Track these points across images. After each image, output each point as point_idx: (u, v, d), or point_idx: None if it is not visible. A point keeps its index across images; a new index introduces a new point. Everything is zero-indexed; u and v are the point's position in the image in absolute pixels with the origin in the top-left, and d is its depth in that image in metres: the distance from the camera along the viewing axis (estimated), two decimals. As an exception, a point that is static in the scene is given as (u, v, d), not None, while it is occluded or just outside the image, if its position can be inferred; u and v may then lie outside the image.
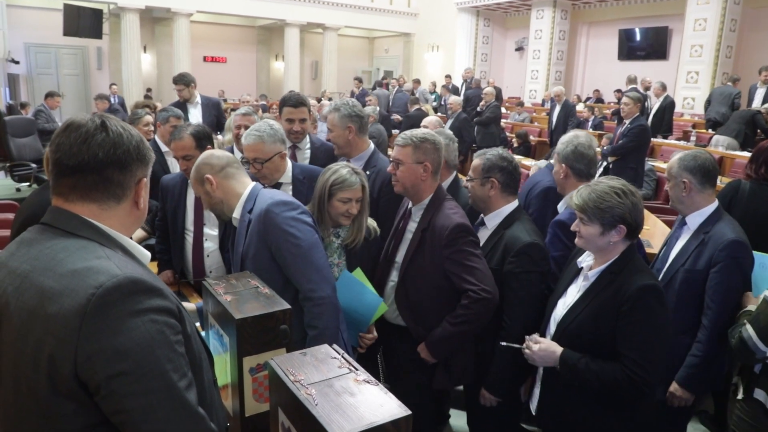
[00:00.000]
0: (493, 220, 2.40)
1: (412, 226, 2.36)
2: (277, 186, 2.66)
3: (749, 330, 2.00)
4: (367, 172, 2.70)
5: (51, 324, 0.99)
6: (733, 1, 11.69)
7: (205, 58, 18.87)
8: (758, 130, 7.82)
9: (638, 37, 14.66)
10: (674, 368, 2.35)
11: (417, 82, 13.68)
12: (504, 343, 2.10)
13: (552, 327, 2.07)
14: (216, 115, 5.94)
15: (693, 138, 8.54)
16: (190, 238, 2.91)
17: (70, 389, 1.00)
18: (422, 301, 2.31)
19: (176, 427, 1.04)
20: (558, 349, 1.94)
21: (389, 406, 1.13)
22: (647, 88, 9.56)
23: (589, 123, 10.73)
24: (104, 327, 0.99)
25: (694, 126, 10.20)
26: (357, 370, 1.27)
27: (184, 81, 5.81)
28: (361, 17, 18.22)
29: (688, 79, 12.28)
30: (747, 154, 7.07)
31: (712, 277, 2.27)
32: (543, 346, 1.97)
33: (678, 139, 9.22)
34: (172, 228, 2.95)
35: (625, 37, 14.84)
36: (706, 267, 2.29)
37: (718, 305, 2.26)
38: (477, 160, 2.42)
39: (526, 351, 2.01)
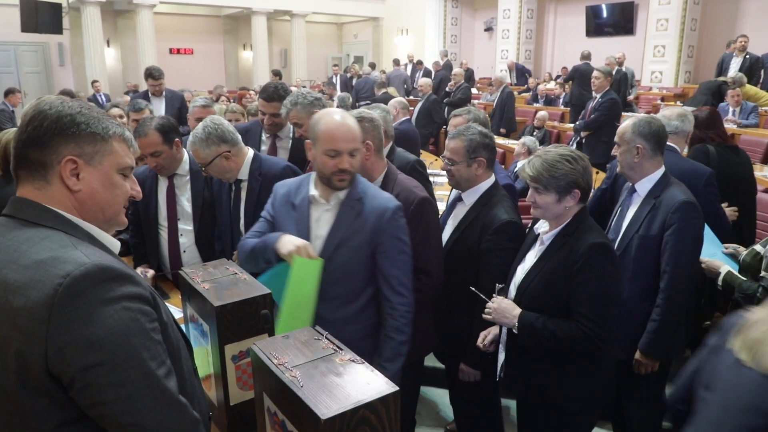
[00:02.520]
0: (470, 197, 2.38)
1: None
2: (238, 184, 2.57)
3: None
4: None
5: (17, 318, 0.95)
6: (697, -26, 11.83)
7: (171, 50, 18.49)
8: (722, 97, 7.96)
9: (605, 14, 14.74)
10: (637, 336, 2.35)
11: (396, 63, 13.69)
12: (473, 288, 2.13)
13: (512, 292, 2.12)
14: (179, 107, 5.89)
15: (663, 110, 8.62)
16: (164, 233, 2.84)
17: (41, 385, 0.96)
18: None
19: (157, 416, 1.01)
20: (517, 310, 1.99)
21: (376, 384, 1.12)
22: (621, 63, 9.62)
23: (561, 100, 10.80)
24: (74, 317, 0.95)
25: (662, 99, 10.32)
26: (341, 349, 1.25)
27: (162, 76, 5.79)
28: (329, 3, 18.01)
29: (655, 53, 12.42)
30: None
31: (667, 240, 2.29)
32: (504, 305, 2.02)
33: (647, 112, 9.32)
34: (145, 223, 2.88)
35: (592, 13, 14.91)
36: (660, 231, 2.31)
37: (673, 268, 2.27)
38: (457, 142, 2.33)
39: (489, 305, 2.05)
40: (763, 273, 2.26)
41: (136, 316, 1.00)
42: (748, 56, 8.85)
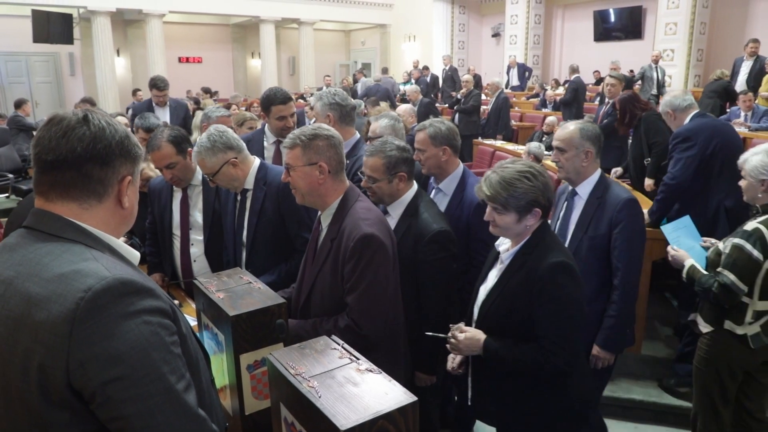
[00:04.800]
0: (396, 209, 2.33)
1: (322, 236, 2.06)
2: (244, 194, 2.55)
3: (729, 276, 2.31)
4: (348, 161, 2.64)
5: (39, 332, 0.95)
6: (705, -22, 11.80)
7: (180, 59, 18.63)
8: (729, 99, 8.00)
9: (613, 18, 14.71)
10: (591, 333, 2.41)
11: (427, 68, 13.76)
12: (429, 333, 2.03)
13: (476, 313, 2.05)
14: (183, 117, 5.91)
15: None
16: (177, 243, 2.87)
17: (63, 398, 0.96)
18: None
19: (177, 430, 1.01)
20: (482, 337, 1.92)
21: (394, 394, 1.12)
22: (656, 61, 9.74)
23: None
24: (96, 332, 0.95)
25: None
26: (359, 359, 1.25)
27: (167, 86, 5.80)
28: (336, 10, 18.10)
29: (664, 57, 12.34)
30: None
31: (616, 238, 2.35)
32: (468, 335, 1.93)
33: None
34: (160, 232, 2.92)
35: (600, 18, 14.88)
36: (607, 230, 2.36)
37: (625, 264, 2.34)
38: (375, 159, 2.25)
39: (452, 341, 1.96)
40: (719, 269, 2.37)
41: (157, 330, 1.01)
42: (758, 59, 8.81)
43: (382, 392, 1.12)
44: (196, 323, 1.82)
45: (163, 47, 15.45)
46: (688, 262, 2.53)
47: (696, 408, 2.64)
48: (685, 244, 2.63)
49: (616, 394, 3.44)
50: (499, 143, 7.74)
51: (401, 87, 12.37)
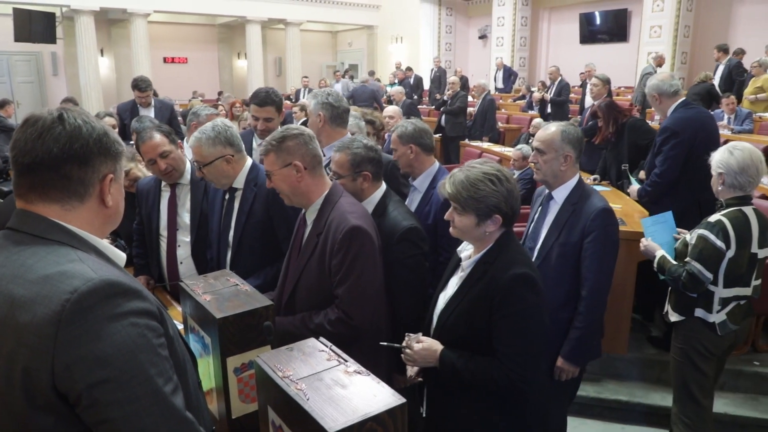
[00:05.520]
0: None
1: (308, 231, 2.11)
2: (232, 193, 2.53)
3: (696, 265, 2.45)
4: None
5: (23, 334, 0.93)
6: (689, -19, 11.96)
7: (165, 59, 18.49)
8: (713, 101, 8.13)
9: (598, 21, 14.85)
10: (557, 343, 2.36)
11: (410, 69, 13.98)
12: (384, 343, 1.89)
13: (434, 322, 1.96)
14: (169, 117, 5.84)
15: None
16: (164, 244, 2.83)
17: (48, 402, 0.94)
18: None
19: None
20: (439, 348, 1.83)
21: (383, 396, 1.11)
22: (660, 64, 9.89)
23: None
24: (82, 334, 0.93)
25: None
26: (347, 361, 1.24)
27: (149, 87, 5.72)
28: (323, 11, 18.08)
29: (649, 60, 12.48)
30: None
31: (587, 248, 2.30)
32: (425, 345, 1.84)
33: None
34: (147, 234, 2.89)
35: (586, 20, 15.02)
36: (579, 238, 2.32)
37: (595, 274, 2.29)
38: (341, 155, 2.25)
39: (407, 351, 1.85)
40: (687, 258, 2.50)
41: (144, 332, 0.99)
42: (728, 63, 9.20)
43: (371, 394, 1.12)
44: (182, 326, 1.80)
45: (147, 47, 15.31)
46: (659, 253, 2.64)
47: (677, 406, 2.69)
48: (661, 238, 2.73)
49: (603, 395, 3.47)
50: (485, 145, 7.79)
51: (388, 89, 12.40)
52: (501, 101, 12.54)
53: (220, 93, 16.02)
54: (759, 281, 2.57)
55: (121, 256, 1.14)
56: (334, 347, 1.30)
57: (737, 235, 2.43)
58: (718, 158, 2.53)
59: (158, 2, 15.13)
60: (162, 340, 1.04)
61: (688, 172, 3.57)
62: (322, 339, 1.34)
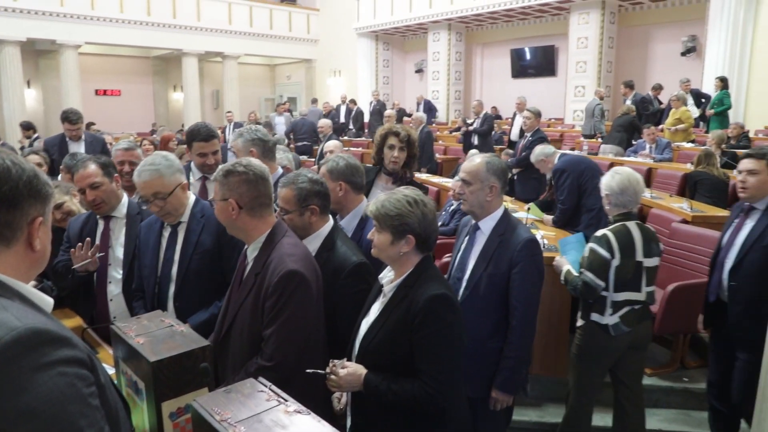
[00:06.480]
0: (313, 243, 2.27)
1: (248, 269, 2.06)
2: (175, 227, 2.47)
3: (588, 274, 2.74)
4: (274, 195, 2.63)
5: None
6: (609, 21, 12.79)
7: (97, 92, 18.02)
8: (635, 131, 8.75)
9: (528, 56, 15.57)
10: (488, 372, 2.39)
11: (354, 101, 14.19)
12: (309, 370, 1.86)
13: (357, 347, 1.99)
14: (101, 152, 5.65)
15: (585, 147, 9.13)
16: (94, 280, 2.73)
17: None
18: (241, 357, 1.98)
19: None
20: (363, 372, 1.86)
21: (324, 435, 1.10)
22: (632, 87, 10.45)
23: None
24: (6, 386, 0.88)
25: (585, 136, 10.89)
26: (287, 401, 1.22)
27: (80, 120, 5.50)
28: (261, 45, 18.12)
29: (576, 93, 13.18)
30: (632, 158, 7.74)
31: (515, 278, 2.34)
32: (350, 371, 1.86)
33: (571, 149, 9.81)
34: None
35: (517, 56, 15.71)
36: (507, 268, 2.35)
37: (523, 304, 2.34)
38: (287, 191, 2.23)
39: (332, 377, 1.86)
40: (581, 269, 2.80)
41: (73, 382, 0.94)
42: (633, 96, 10.13)
43: (312, 434, 1.10)
44: (114, 371, 1.72)
45: (78, 79, 14.89)
46: (565, 267, 2.94)
47: (570, 398, 3.02)
48: (573, 256, 3.01)
49: (545, 419, 3.53)
50: (424, 176, 7.88)
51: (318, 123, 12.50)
52: (438, 133, 12.86)
53: (154, 125, 15.69)
54: (652, 288, 2.86)
55: (48, 302, 1.08)
56: (273, 387, 1.27)
57: (620, 245, 2.73)
58: (603, 182, 2.88)
59: (90, 34, 14.77)
60: (93, 389, 0.99)
61: (583, 197, 4.54)
62: (261, 379, 1.31)
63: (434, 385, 1.78)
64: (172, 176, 2.38)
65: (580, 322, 2.91)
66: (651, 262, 2.81)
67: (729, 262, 2.85)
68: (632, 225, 2.80)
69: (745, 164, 2.82)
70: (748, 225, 2.83)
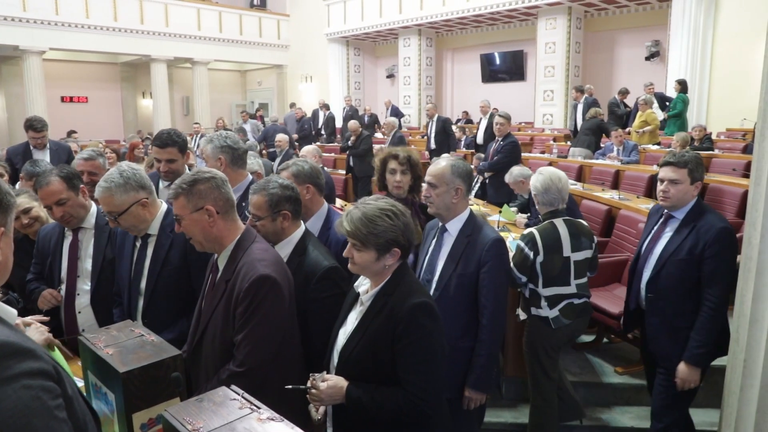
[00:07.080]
0: (285, 249, 2.27)
1: (218, 276, 2.04)
2: (145, 239, 2.43)
3: (514, 269, 2.90)
4: (243, 204, 2.59)
5: None
6: (576, 26, 13.05)
7: (63, 99, 17.65)
8: (603, 134, 8.89)
9: (498, 61, 15.78)
10: (459, 372, 2.41)
11: (327, 106, 14.04)
12: (290, 387, 1.84)
13: (335, 358, 1.95)
14: (66, 161, 5.52)
15: (555, 150, 9.27)
16: (63, 292, 2.66)
17: None
18: (213, 365, 1.96)
19: None
20: (344, 384, 1.82)
21: (297, 442, 1.10)
22: (591, 94, 10.63)
23: (462, 143, 11.28)
24: None
25: (554, 139, 11.07)
26: (259, 408, 1.22)
27: (45, 127, 5.36)
28: (231, 50, 17.99)
29: (545, 97, 13.39)
30: (601, 161, 7.90)
31: (483, 278, 2.38)
32: (331, 383, 1.82)
33: (542, 152, 9.95)
34: (49, 281, 2.71)
35: (486, 61, 15.90)
36: (476, 268, 2.39)
37: (492, 302, 2.38)
38: (258, 197, 2.23)
39: (313, 392, 1.82)
40: (511, 264, 2.88)
41: (38, 394, 0.92)
42: (585, 100, 10.34)
43: (285, 441, 1.10)
44: (83, 383, 1.69)
45: (43, 86, 14.57)
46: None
47: (531, 392, 3.12)
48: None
49: (520, 420, 3.56)
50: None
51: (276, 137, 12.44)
52: (410, 137, 12.92)
53: (139, 132, 15.38)
54: (583, 280, 2.99)
55: (11, 313, 1.07)
56: (246, 395, 1.27)
57: (545, 243, 2.88)
58: (531, 182, 3.07)
59: (54, 40, 14.47)
60: (59, 402, 0.97)
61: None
62: (233, 387, 1.31)
63: (419, 394, 1.77)
64: (125, 195, 2.30)
65: (522, 316, 3.08)
66: (579, 255, 2.94)
67: (647, 273, 2.75)
68: (559, 222, 2.93)
69: (667, 173, 2.64)
70: (667, 235, 2.71)
